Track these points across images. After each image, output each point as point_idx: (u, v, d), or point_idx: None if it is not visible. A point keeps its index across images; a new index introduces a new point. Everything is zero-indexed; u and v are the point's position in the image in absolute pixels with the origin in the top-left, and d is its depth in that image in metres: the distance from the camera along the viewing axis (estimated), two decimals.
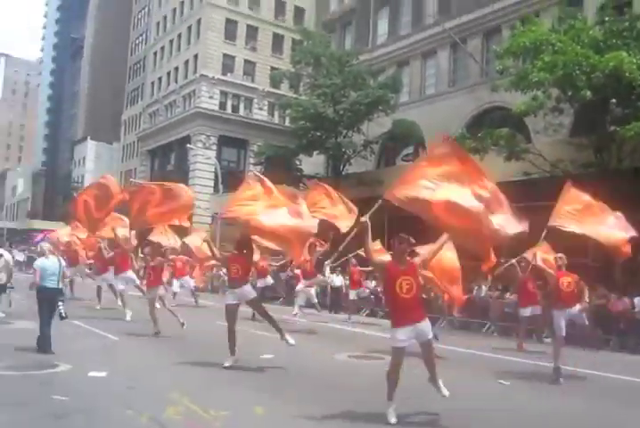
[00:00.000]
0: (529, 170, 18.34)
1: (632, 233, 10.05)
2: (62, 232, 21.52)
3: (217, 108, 46.65)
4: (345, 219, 12.95)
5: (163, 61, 54.85)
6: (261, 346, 10.95)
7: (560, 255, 10.03)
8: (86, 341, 11.31)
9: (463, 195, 6.64)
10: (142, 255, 14.06)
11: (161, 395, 6.94)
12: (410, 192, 6.70)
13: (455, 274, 10.83)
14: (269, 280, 18.70)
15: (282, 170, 28.73)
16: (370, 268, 15.40)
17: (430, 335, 6.47)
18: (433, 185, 6.69)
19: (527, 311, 13.40)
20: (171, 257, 15.74)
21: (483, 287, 18.40)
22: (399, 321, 6.36)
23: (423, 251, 7.28)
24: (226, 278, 9.60)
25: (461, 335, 16.06)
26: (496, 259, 7.73)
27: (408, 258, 6.66)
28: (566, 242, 10.54)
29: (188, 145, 43.07)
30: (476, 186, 6.75)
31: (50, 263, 9.98)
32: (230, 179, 40.23)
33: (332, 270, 19.26)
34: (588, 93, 16.41)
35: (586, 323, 10.33)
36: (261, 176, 9.59)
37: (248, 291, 9.52)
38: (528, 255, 11.66)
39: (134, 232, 13.86)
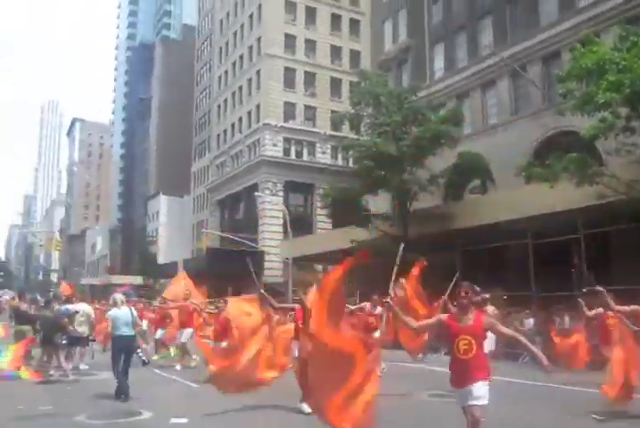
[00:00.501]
0: (603, 193, 17.55)
1: None
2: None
3: (281, 154, 47.51)
4: None
5: (227, 113, 56.59)
6: None
7: None
8: (166, 388, 11.41)
9: None
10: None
11: None
12: None
13: None
14: None
15: (349, 212, 28.68)
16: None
17: (481, 401, 5.58)
18: None
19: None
20: None
21: (566, 318, 17.55)
22: (452, 382, 5.77)
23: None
24: None
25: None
26: None
27: (474, 311, 5.84)
28: None
29: (256, 193, 43.78)
30: None
31: (122, 313, 10.30)
32: (298, 224, 40.53)
33: None
34: None
35: None
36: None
37: None
38: None
39: None
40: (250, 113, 51.47)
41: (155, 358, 15.53)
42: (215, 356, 9.93)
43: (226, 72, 57.70)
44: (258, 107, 49.81)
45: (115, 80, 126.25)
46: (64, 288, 18.42)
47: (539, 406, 9.99)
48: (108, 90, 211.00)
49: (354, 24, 51.21)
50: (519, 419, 8.77)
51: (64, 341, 12.98)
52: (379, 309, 14.12)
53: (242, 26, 54.60)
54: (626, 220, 18.37)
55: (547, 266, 21.12)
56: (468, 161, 25.80)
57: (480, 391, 5.55)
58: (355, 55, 50.18)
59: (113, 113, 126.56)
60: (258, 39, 50.48)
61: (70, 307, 14.54)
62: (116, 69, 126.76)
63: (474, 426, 5.53)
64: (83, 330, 14.09)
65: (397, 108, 28.10)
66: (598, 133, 17.40)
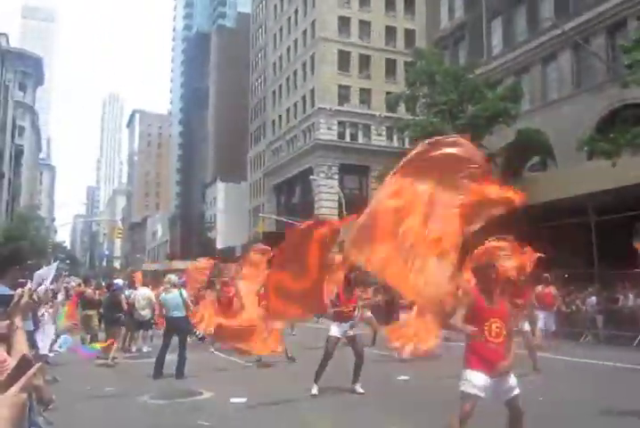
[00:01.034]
0: None
1: None
2: None
3: (335, 138, 47.38)
4: None
5: (282, 98, 56.76)
6: (397, 368, 10.69)
7: None
8: (225, 368, 11.54)
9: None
10: None
11: (300, 418, 7.01)
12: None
13: None
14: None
15: None
16: None
17: (517, 391, 4.92)
18: None
19: None
20: None
21: (630, 296, 16.91)
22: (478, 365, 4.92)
23: None
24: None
25: (608, 349, 14.78)
26: None
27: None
28: None
29: (311, 177, 43.80)
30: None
31: (171, 296, 10.86)
32: (354, 206, 40.35)
33: None
34: None
35: None
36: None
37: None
38: None
39: None
40: (304, 98, 51.46)
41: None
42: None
43: (281, 58, 57.79)
44: (312, 91, 49.72)
45: (172, 71, 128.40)
46: (136, 277, 18.84)
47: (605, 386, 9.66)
48: (166, 81, 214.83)
49: (409, 3, 50.32)
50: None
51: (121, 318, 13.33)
52: None
53: (295, 10, 54.48)
54: None
55: (610, 243, 20.39)
56: (527, 138, 25.13)
57: (514, 382, 4.97)
58: (410, 35, 49.39)
59: (171, 103, 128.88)
60: (312, 23, 50.26)
61: (134, 291, 15.27)
62: (173, 61, 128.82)
63: (520, 420, 4.97)
64: (145, 313, 14.55)
65: (454, 86, 27.57)
66: None
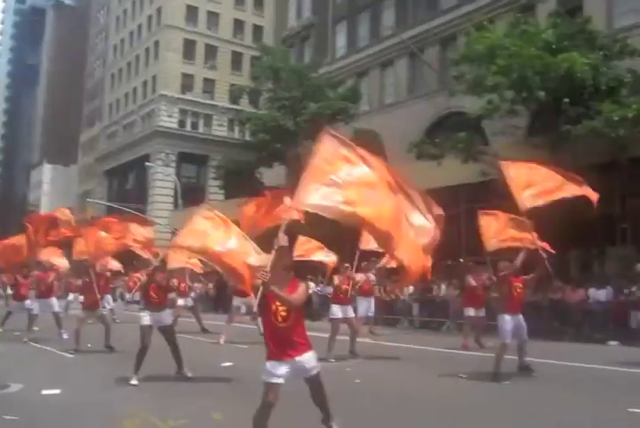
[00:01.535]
0: (487, 171, 18.53)
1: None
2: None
3: (176, 126, 46.48)
4: None
5: (121, 82, 54.62)
6: (219, 356, 10.78)
7: (505, 264, 9.34)
8: (38, 360, 10.91)
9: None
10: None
11: (117, 408, 6.62)
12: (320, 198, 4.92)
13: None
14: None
15: (242, 184, 28.67)
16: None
17: (315, 370, 5.02)
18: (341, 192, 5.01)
19: (470, 311, 13.10)
20: None
21: (443, 286, 18.47)
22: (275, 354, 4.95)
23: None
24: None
25: (421, 334, 16.06)
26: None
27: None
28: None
29: (147, 163, 42.59)
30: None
31: None
32: (190, 195, 39.93)
33: None
34: (542, 93, 16.86)
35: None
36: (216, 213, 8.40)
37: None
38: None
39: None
40: (145, 83, 49.91)
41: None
42: None
43: (123, 41, 55.53)
44: (154, 78, 48.38)
45: (0, 44, 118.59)
46: None
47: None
48: None
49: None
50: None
51: None
52: None
53: None
54: (504, 197, 19.43)
55: None
56: (363, 138, 26.38)
57: (314, 361, 5.04)
58: (258, 30, 49.66)
59: None
60: (158, 9, 48.90)
61: None
62: (0, 34, 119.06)
63: (320, 389, 5.13)
64: None
65: (298, 83, 28.34)
66: (485, 113, 18.35)
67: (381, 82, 30.04)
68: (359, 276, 12.17)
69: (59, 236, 12.67)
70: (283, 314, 4.90)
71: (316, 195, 4.88)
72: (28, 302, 14.05)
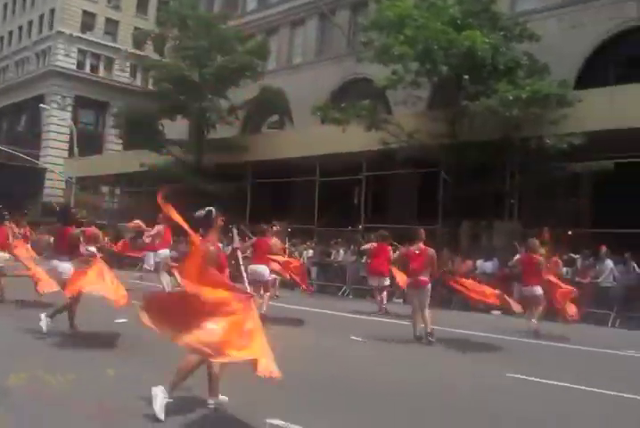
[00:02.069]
0: (387, 140, 18.97)
1: None
2: None
3: (74, 67, 44.05)
4: None
5: (15, 14, 50.81)
6: (115, 311, 10.68)
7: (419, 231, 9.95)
8: None
9: None
10: None
11: (3, 364, 6.50)
12: None
13: None
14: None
15: (143, 134, 27.82)
16: None
17: None
18: None
19: (374, 281, 13.87)
20: None
21: (341, 251, 19.00)
22: None
23: None
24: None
25: (319, 298, 16.57)
26: None
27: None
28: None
29: (41, 105, 40.36)
30: None
31: None
32: (86, 143, 38.42)
33: None
34: (445, 68, 17.30)
35: None
36: None
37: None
38: None
39: None
40: (42, 18, 46.66)
41: None
42: None
43: None
44: (52, 12, 45.33)
45: None
46: None
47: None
48: None
49: None
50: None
51: None
52: None
53: None
54: (403, 166, 20.08)
55: (331, 202, 22.57)
56: (269, 96, 26.21)
57: None
58: None
59: None
60: None
61: None
62: None
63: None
64: None
65: (205, 33, 27.45)
66: (389, 83, 18.62)
67: (290, 41, 29.72)
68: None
69: None
70: None
71: None
72: None
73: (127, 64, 45.51)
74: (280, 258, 12.18)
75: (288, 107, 27.68)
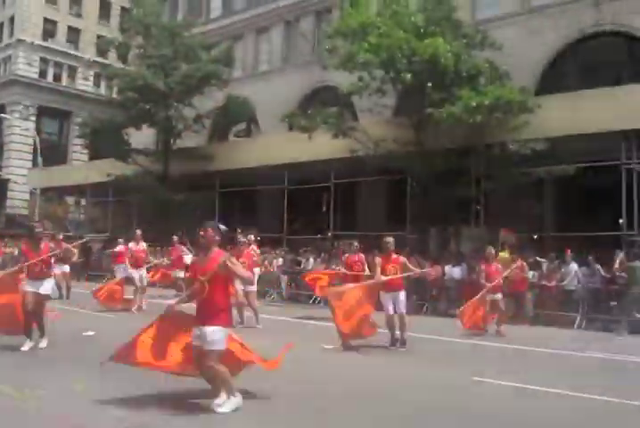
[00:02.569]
0: (354, 148, 19.09)
1: None
2: None
3: (36, 76, 43.38)
4: None
5: None
6: (83, 324, 10.64)
7: (388, 239, 10.06)
8: None
9: None
10: None
11: None
12: None
13: None
14: None
15: (108, 144, 27.55)
16: None
17: (214, 346, 5.43)
18: None
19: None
20: None
21: (311, 259, 19.03)
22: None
23: None
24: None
25: (289, 307, 16.60)
26: None
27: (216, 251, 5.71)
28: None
29: (2, 115, 39.73)
30: None
31: None
32: (50, 153, 37.88)
33: None
34: (409, 76, 17.42)
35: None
36: None
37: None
38: None
39: None
40: (1, 26, 45.93)
41: None
42: None
43: None
44: (11, 20, 44.60)
45: None
46: None
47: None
48: None
49: None
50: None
51: None
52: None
53: None
54: (370, 173, 20.23)
55: (300, 210, 22.60)
56: (235, 104, 26.17)
57: (214, 336, 5.40)
58: None
59: None
60: None
61: None
62: None
63: (203, 368, 5.51)
64: None
65: (169, 42, 27.33)
66: (354, 90, 18.73)
67: (255, 48, 29.71)
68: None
69: None
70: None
71: None
72: None
73: (91, 73, 44.98)
74: None
75: (254, 115, 27.67)
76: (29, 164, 39.48)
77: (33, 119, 42.28)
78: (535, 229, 17.92)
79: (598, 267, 14.74)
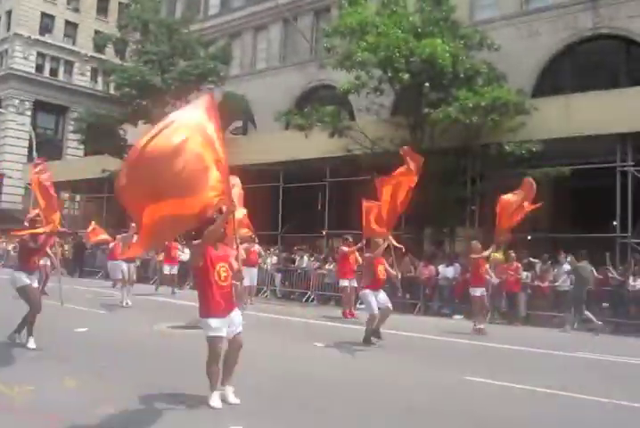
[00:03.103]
0: (350, 147, 19.11)
1: None
2: None
3: (33, 70, 43.23)
4: None
5: None
6: (75, 320, 10.65)
7: (378, 240, 10.36)
8: None
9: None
10: None
11: None
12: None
13: None
14: None
15: (104, 140, 27.51)
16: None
17: (242, 328, 5.78)
18: None
19: (345, 282, 14.11)
20: None
21: (305, 258, 19.05)
22: (216, 311, 5.64)
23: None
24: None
25: (283, 304, 16.62)
26: None
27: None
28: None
29: None
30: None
31: None
32: (46, 148, 37.76)
33: None
34: (406, 75, 17.42)
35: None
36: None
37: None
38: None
39: None
40: None
41: None
42: None
43: None
44: (9, 14, 44.44)
45: None
46: None
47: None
48: None
49: None
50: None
51: None
52: None
53: None
54: (367, 172, 20.20)
55: (295, 208, 22.59)
56: (232, 102, 26.13)
57: (240, 318, 5.79)
58: None
59: None
60: None
61: None
62: None
63: (238, 351, 5.75)
64: None
65: (167, 38, 27.31)
66: (351, 89, 18.68)
67: (253, 46, 29.66)
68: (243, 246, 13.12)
69: None
70: (224, 274, 5.66)
71: None
72: None
73: (88, 68, 44.87)
74: None
75: (251, 113, 27.65)
76: (24, 159, 39.30)
77: (29, 113, 42.13)
78: (529, 230, 17.97)
79: (591, 268, 14.81)
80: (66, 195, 38.09)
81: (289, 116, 21.19)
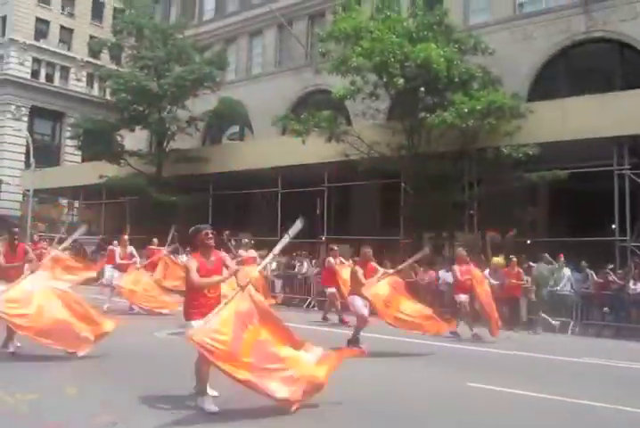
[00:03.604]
0: (348, 152, 19.12)
1: None
2: None
3: (28, 76, 43.21)
4: None
5: None
6: None
7: (367, 249, 10.58)
8: None
9: None
10: None
11: None
12: None
13: None
14: None
15: (101, 146, 27.47)
16: None
17: None
18: None
19: (332, 289, 14.32)
20: None
21: (305, 263, 19.06)
22: (195, 315, 5.98)
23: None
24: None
25: (284, 311, 16.58)
26: None
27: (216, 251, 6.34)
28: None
29: None
30: None
31: None
32: (43, 154, 37.73)
33: None
34: (401, 80, 17.45)
35: None
36: None
37: None
38: None
39: None
40: None
41: None
42: None
43: None
44: (3, 19, 44.39)
45: None
46: None
47: None
48: None
49: None
50: None
51: None
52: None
53: None
54: (364, 177, 20.26)
55: (294, 213, 22.56)
56: (228, 107, 26.12)
57: None
58: None
59: None
60: None
61: None
62: None
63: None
64: None
65: (162, 43, 27.28)
66: (347, 94, 18.71)
67: (248, 51, 29.65)
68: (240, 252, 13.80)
69: None
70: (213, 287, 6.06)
71: None
72: None
73: (84, 73, 44.85)
74: None
75: (248, 118, 27.64)
76: (22, 165, 39.32)
77: (25, 119, 42.10)
78: (528, 234, 18.03)
79: (591, 272, 14.89)
80: (64, 202, 38.14)
81: (285, 121, 21.23)
